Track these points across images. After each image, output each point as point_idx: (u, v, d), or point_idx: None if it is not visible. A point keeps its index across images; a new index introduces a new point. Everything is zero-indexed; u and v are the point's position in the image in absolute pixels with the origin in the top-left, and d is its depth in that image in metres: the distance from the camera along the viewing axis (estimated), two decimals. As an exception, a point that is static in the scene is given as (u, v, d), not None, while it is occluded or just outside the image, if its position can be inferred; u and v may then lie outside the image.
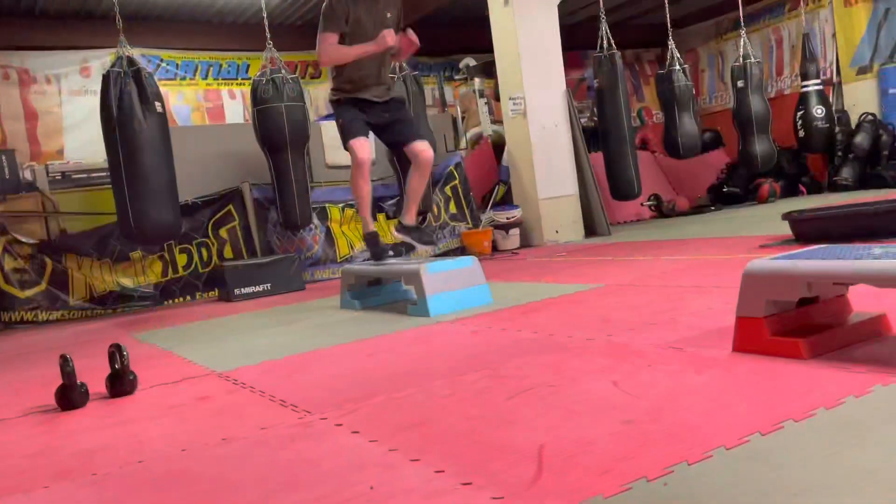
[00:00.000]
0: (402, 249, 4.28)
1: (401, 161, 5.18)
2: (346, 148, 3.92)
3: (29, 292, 5.41)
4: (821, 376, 1.59)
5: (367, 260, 4.09)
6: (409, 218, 4.07)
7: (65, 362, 2.29)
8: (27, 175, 6.72)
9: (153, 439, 1.85)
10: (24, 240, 5.51)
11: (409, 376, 2.16)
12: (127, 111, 4.70)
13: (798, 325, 1.82)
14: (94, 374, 2.60)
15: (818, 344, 1.73)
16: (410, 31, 3.95)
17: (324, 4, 3.78)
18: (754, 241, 4.50)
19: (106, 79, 4.77)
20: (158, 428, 1.96)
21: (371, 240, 4.04)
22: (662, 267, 3.97)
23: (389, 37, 3.75)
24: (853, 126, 8.68)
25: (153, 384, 2.54)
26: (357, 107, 3.92)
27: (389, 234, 6.24)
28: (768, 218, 5.99)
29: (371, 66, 3.91)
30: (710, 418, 1.42)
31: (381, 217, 6.41)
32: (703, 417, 1.43)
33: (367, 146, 3.91)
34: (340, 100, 3.94)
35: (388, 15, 3.98)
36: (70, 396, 2.29)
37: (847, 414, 1.35)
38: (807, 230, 4.15)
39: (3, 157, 6.11)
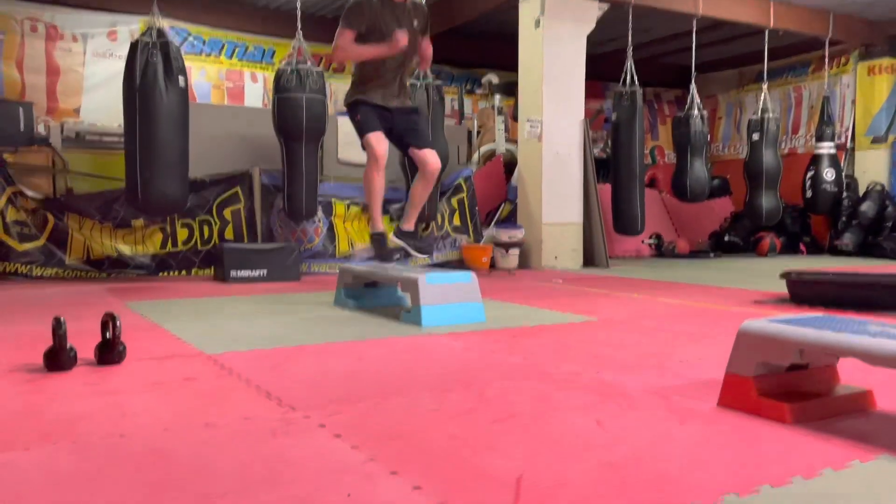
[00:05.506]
0: (402, 255, 4.28)
1: (412, 167, 5.21)
2: (363, 142, 3.93)
3: (27, 245, 5.41)
4: (802, 444, 1.61)
5: (369, 259, 4.10)
6: (409, 224, 4.07)
7: (58, 325, 2.30)
8: (41, 129, 6.73)
9: (136, 413, 1.86)
10: (29, 193, 5.52)
11: (397, 385, 2.18)
12: (150, 81, 4.73)
13: (785, 389, 1.84)
14: (82, 338, 2.61)
15: (803, 411, 1.75)
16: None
17: (349, 1, 3.79)
18: (749, 295, 4.53)
19: (134, 47, 4.80)
20: (142, 403, 1.97)
21: (378, 240, 4.04)
22: (657, 308, 3.99)
23: (402, 38, 3.75)
24: (860, 193, 8.75)
25: (140, 357, 2.56)
26: (372, 108, 3.94)
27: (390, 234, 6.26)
28: (766, 273, 6.02)
29: (390, 74, 3.92)
30: (688, 472, 1.44)
31: (384, 219, 6.42)
32: (682, 470, 1.45)
33: (384, 141, 3.89)
34: (357, 100, 3.94)
35: (416, 23, 3.99)
36: (59, 359, 2.30)
37: (824, 486, 1.37)
38: (803, 292, 4.17)
39: (21, 110, 6.13)
